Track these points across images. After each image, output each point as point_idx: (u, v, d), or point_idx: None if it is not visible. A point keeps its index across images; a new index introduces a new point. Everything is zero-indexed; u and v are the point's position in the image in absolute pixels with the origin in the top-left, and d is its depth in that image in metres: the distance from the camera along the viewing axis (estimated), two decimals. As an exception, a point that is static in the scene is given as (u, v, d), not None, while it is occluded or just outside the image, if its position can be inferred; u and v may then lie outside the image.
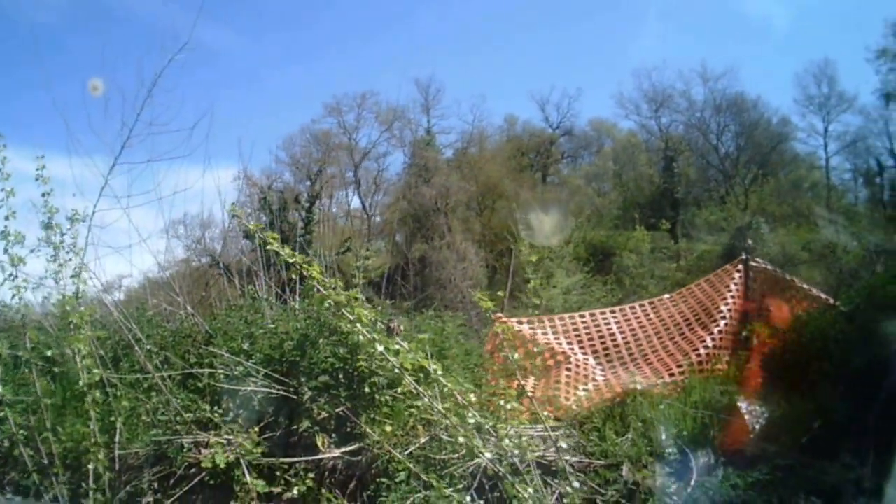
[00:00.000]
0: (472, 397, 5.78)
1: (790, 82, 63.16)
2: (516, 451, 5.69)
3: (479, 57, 77.22)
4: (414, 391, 5.62)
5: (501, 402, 6.15)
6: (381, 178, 54.60)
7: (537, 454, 6.61)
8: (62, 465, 6.47)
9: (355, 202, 55.02)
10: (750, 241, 14.01)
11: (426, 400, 5.51)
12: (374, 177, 54.33)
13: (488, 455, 5.53)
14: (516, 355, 6.09)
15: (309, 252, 13.47)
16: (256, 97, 72.81)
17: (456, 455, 6.22)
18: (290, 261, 5.74)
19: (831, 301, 10.26)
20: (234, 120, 62.84)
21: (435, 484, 5.66)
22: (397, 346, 5.51)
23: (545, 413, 7.10)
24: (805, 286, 11.16)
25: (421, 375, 5.48)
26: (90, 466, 6.38)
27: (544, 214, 31.30)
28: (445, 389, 5.45)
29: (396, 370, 5.49)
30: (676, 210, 45.89)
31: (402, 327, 6.37)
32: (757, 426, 7.31)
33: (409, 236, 43.32)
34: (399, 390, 6.35)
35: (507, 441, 5.56)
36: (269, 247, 5.87)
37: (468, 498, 5.82)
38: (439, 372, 5.43)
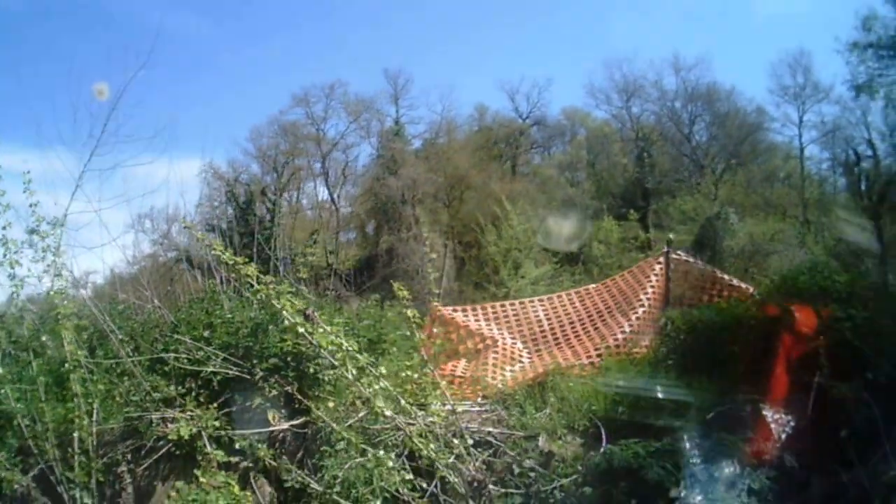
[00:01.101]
0: (383, 370, 6.69)
1: (765, 72, 63.83)
2: (420, 413, 6.66)
3: (449, 47, 77.74)
4: (335, 365, 6.62)
5: (408, 374, 7.15)
6: (350, 169, 54.67)
7: (463, 425, 7.56)
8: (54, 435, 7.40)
9: (323, 193, 55.29)
10: (672, 236, 14.76)
11: (341, 371, 6.50)
12: (342, 168, 54.28)
13: (388, 413, 6.50)
14: (422, 335, 7.05)
15: (269, 247, 14.18)
16: (227, 89, 73.10)
17: (388, 426, 7.03)
18: (230, 263, 6.69)
19: (751, 290, 11.02)
20: (205, 111, 63.19)
21: (353, 439, 6.64)
22: (321, 329, 6.48)
23: (446, 386, 7.87)
24: (726, 277, 11.97)
25: (341, 354, 6.45)
26: (75, 435, 7.37)
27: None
28: (359, 364, 6.42)
29: (314, 346, 6.49)
30: (647, 200, 46.27)
31: (316, 313, 7.07)
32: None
33: (377, 228, 43.73)
34: (339, 370, 6.90)
35: (402, 402, 6.54)
36: (213, 252, 6.82)
37: (381, 455, 6.63)
38: (352, 349, 6.40)
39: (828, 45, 48.87)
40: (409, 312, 7.09)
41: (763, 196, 40.61)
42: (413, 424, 6.81)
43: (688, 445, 7.16)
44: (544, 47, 76.26)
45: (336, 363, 6.63)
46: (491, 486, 7.15)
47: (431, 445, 6.63)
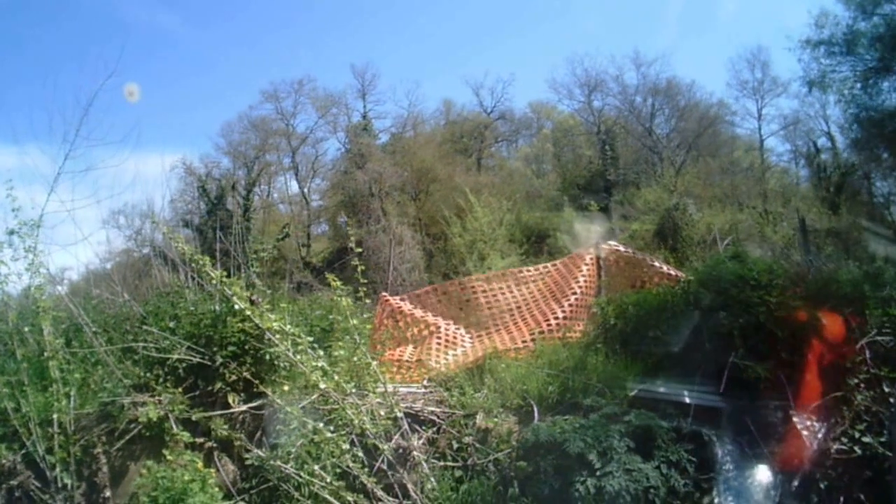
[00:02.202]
0: (321, 352, 7.47)
1: (724, 68, 65.08)
2: (355, 391, 7.47)
3: (416, 43, 77.99)
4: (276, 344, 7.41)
5: (340, 353, 7.88)
6: (319, 163, 55.01)
7: (408, 405, 8.42)
8: (36, 419, 8.06)
9: (294, 187, 55.59)
10: (597, 227, 15.35)
11: (283, 350, 7.34)
12: (311, 162, 54.76)
13: (322, 385, 7.26)
14: (355, 321, 7.82)
15: (238, 241, 14.66)
16: (198, 84, 73.10)
17: (337, 406, 7.64)
18: (189, 256, 7.45)
19: (681, 277, 11.51)
20: (178, 107, 63.36)
21: (296, 413, 7.32)
22: (272, 316, 7.22)
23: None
24: (657, 264, 12.63)
25: (283, 336, 7.20)
26: (55, 418, 8.03)
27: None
28: (301, 346, 7.16)
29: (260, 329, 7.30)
30: (609, 191, 46.83)
31: (260, 300, 7.78)
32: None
33: (346, 221, 43.98)
34: (281, 349, 7.64)
35: (336, 378, 7.30)
36: (176, 246, 7.56)
37: (321, 426, 7.32)
38: (293, 332, 7.15)
39: (784, 42, 49.83)
40: (344, 301, 7.78)
41: (722, 187, 41.22)
42: (354, 403, 7.50)
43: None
44: (509, 43, 77.05)
45: (278, 343, 7.34)
46: (415, 454, 7.84)
47: (365, 418, 7.33)
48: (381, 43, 77.73)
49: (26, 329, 8.87)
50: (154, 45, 63.05)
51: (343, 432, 7.49)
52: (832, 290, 8.82)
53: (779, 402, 7.87)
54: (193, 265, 8.18)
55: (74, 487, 8.03)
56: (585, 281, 11.90)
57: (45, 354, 8.37)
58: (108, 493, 8.09)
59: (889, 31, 29.29)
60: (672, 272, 12.32)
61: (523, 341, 10.80)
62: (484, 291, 12.79)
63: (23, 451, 8.05)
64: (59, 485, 7.94)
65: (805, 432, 7.59)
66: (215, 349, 8.59)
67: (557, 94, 57.67)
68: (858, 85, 30.54)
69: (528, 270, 13.61)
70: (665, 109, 53.01)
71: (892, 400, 7.60)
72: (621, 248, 13.03)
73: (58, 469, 7.96)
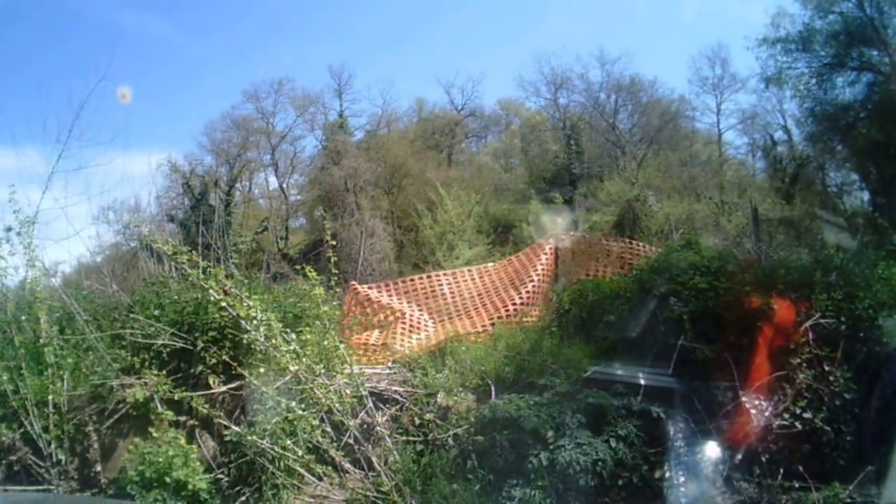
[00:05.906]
0: (293, 336, 8.08)
1: (685, 65, 65.77)
2: (324, 372, 8.12)
3: (391, 43, 77.83)
4: (248, 329, 8.00)
5: (309, 337, 8.40)
6: (297, 160, 54.92)
7: (373, 385, 9.11)
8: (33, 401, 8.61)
9: (274, 183, 55.61)
10: (560, 219, 15.84)
11: (257, 335, 7.93)
12: (290, 159, 54.61)
13: (294, 367, 7.83)
14: (325, 308, 8.49)
15: (220, 235, 15.08)
16: (183, 84, 72.95)
17: (308, 386, 8.15)
18: (169, 254, 8.07)
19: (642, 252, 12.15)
20: (163, 106, 63.36)
21: (271, 393, 7.95)
22: (248, 304, 7.88)
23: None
24: (614, 249, 13.24)
25: (257, 322, 7.89)
26: (49, 398, 8.60)
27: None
28: (273, 331, 7.84)
29: (234, 316, 8.01)
30: (574, 184, 47.38)
31: (234, 289, 8.19)
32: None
33: (322, 215, 44.34)
34: (256, 334, 8.07)
35: (306, 360, 7.90)
36: (155, 245, 8.15)
37: (293, 405, 7.94)
38: (265, 318, 7.83)
39: (743, 41, 50.58)
40: (317, 290, 8.43)
41: (681, 179, 41.76)
42: (323, 383, 8.08)
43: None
44: (480, 42, 77.14)
45: (252, 329, 7.91)
46: (378, 428, 8.50)
47: (333, 397, 7.94)
48: (357, 44, 77.35)
49: (23, 318, 9.44)
50: (143, 50, 62.71)
51: (313, 410, 8.06)
52: (780, 276, 9.31)
53: (727, 383, 8.37)
54: (175, 262, 8.67)
55: (68, 462, 8.57)
56: (543, 269, 12.54)
57: (41, 341, 8.97)
58: (98, 468, 8.60)
59: (844, 28, 30.09)
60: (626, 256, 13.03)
61: (483, 326, 11.43)
62: (449, 283, 13.42)
63: (21, 430, 8.58)
64: (54, 460, 8.48)
65: (753, 410, 8.12)
66: (197, 335, 9.09)
67: (525, 91, 58.57)
68: (814, 80, 31.42)
69: (493, 265, 14.31)
70: (628, 105, 53.47)
71: (831, 378, 8.14)
72: (578, 235, 13.72)
73: (53, 446, 8.50)
